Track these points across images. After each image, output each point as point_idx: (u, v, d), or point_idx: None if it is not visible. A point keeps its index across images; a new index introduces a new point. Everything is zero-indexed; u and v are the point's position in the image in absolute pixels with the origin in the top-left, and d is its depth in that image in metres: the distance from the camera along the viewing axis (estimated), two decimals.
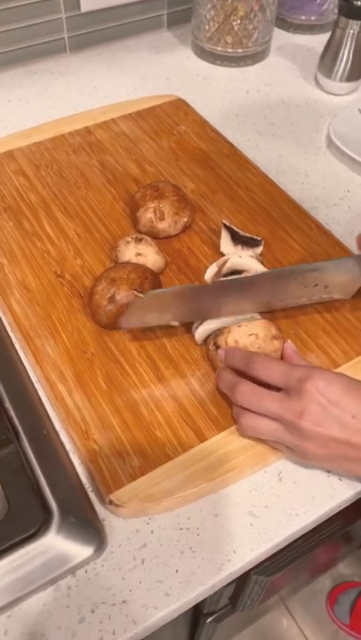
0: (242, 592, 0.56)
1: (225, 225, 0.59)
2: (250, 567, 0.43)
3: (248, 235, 0.58)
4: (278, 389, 0.43)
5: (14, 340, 0.53)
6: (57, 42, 0.87)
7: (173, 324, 0.50)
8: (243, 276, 0.50)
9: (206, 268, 0.57)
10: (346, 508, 0.46)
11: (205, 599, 0.61)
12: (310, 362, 0.50)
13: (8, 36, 0.82)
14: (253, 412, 0.44)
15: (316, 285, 0.51)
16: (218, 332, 0.49)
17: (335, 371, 0.50)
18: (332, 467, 0.45)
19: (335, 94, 0.84)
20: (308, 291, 0.51)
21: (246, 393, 0.44)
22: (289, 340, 0.50)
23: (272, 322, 0.50)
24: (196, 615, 0.71)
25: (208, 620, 0.70)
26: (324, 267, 0.50)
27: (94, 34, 0.89)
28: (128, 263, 0.54)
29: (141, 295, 0.51)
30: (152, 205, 0.59)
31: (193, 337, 0.52)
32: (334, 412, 0.40)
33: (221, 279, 0.52)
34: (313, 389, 0.41)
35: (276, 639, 1.14)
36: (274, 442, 0.44)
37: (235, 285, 0.49)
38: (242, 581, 0.53)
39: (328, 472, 0.46)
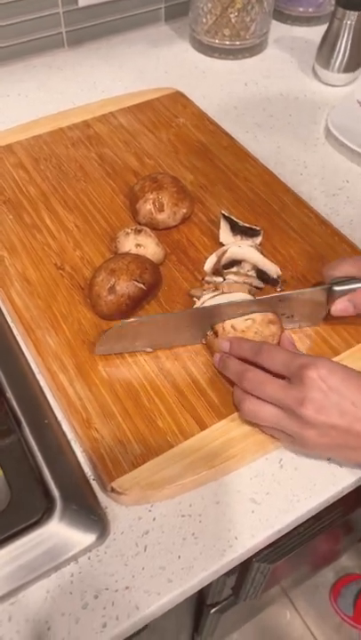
0: (244, 580, 0.56)
1: (224, 215, 0.59)
2: (251, 554, 0.43)
3: (247, 225, 0.58)
4: (283, 377, 0.44)
5: (15, 332, 0.54)
6: (55, 36, 0.87)
7: (147, 351, 0.51)
8: (210, 304, 0.50)
9: (206, 258, 0.57)
10: (346, 495, 0.47)
11: (209, 590, 0.62)
12: (311, 349, 0.50)
13: (6, 31, 0.82)
14: (256, 397, 0.44)
15: (283, 314, 0.51)
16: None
17: (335, 359, 0.51)
18: (332, 455, 0.45)
19: (333, 85, 0.84)
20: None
21: (251, 379, 0.44)
22: (287, 331, 0.50)
23: None
24: (200, 606, 0.71)
25: (212, 611, 0.70)
26: (290, 297, 0.50)
27: (92, 28, 0.89)
28: (128, 254, 0.54)
29: (142, 286, 0.52)
30: (151, 197, 0.59)
31: None
32: (335, 399, 0.41)
33: (193, 308, 0.53)
34: (315, 376, 0.41)
35: (280, 632, 1.15)
36: (274, 429, 0.44)
37: (204, 313, 0.50)
38: (244, 569, 0.54)
39: (329, 459, 0.46)
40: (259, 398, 0.44)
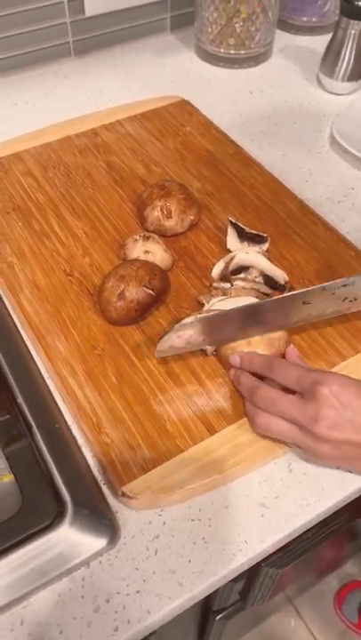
0: (252, 585, 0.56)
1: (231, 222, 0.59)
2: (261, 558, 0.44)
3: (254, 231, 0.59)
4: (293, 391, 0.44)
5: (25, 337, 0.54)
6: (62, 46, 0.88)
7: (207, 349, 0.50)
8: (281, 296, 0.50)
9: (213, 264, 0.57)
10: (353, 500, 0.47)
11: (216, 596, 0.62)
12: (317, 354, 0.51)
13: (14, 41, 0.84)
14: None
15: (345, 299, 0.51)
16: None
17: (341, 364, 0.51)
18: (344, 466, 0.46)
19: (337, 94, 0.84)
20: (338, 305, 0.52)
21: (264, 397, 0.44)
22: (292, 345, 0.51)
23: None
24: (206, 613, 0.71)
25: (218, 618, 0.70)
26: (354, 281, 0.50)
27: (99, 38, 0.90)
28: (136, 260, 0.55)
29: (151, 292, 0.52)
30: (159, 204, 0.60)
31: None
32: (348, 415, 0.41)
33: (264, 300, 0.52)
34: (327, 393, 0.41)
35: (285, 639, 1.14)
36: (280, 429, 0.44)
37: (274, 305, 0.49)
38: (253, 574, 0.54)
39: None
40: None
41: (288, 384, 0.44)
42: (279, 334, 0.50)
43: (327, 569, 1.12)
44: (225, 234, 0.60)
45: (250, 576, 0.55)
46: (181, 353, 0.50)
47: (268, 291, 0.56)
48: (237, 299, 0.52)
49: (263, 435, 0.46)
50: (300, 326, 0.53)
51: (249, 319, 0.49)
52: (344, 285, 0.50)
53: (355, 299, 0.51)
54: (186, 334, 0.48)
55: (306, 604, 1.18)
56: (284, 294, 0.49)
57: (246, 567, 0.43)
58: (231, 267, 0.55)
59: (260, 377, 0.47)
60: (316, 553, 0.58)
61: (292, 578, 0.79)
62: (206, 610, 0.70)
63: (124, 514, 0.44)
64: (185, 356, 0.51)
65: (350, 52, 0.80)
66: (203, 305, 0.54)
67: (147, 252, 0.56)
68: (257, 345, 0.49)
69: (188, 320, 0.48)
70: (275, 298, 0.49)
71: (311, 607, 1.18)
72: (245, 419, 0.47)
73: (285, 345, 0.50)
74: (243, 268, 0.56)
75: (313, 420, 0.41)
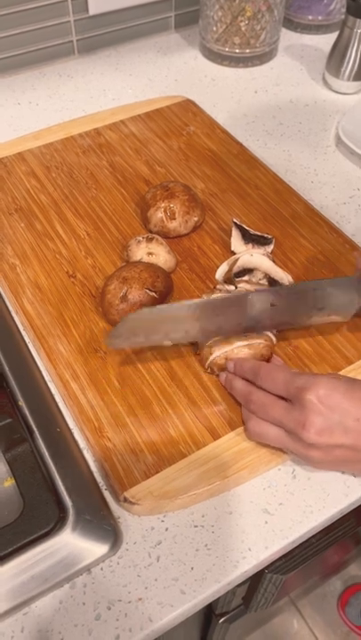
0: (256, 591, 0.55)
1: (235, 223, 0.59)
2: (265, 565, 0.43)
3: (259, 233, 0.58)
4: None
5: (27, 340, 0.54)
6: (65, 45, 0.87)
7: (166, 344, 0.49)
8: (239, 291, 0.49)
9: (217, 266, 0.57)
10: (359, 506, 0.46)
11: (218, 599, 0.61)
12: (323, 358, 0.50)
13: (17, 40, 0.83)
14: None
15: (314, 306, 0.50)
16: None
17: (349, 367, 0.50)
18: (342, 469, 0.45)
19: (343, 93, 0.84)
20: (311, 311, 0.50)
21: (255, 402, 0.44)
22: (276, 357, 0.50)
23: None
24: (209, 616, 0.71)
25: (220, 621, 0.70)
26: (322, 285, 0.49)
27: (102, 36, 0.90)
28: (140, 262, 0.54)
29: (154, 294, 0.52)
30: (163, 205, 0.59)
31: None
32: (337, 418, 0.40)
33: (215, 296, 0.51)
34: (314, 399, 0.40)
35: None
36: (271, 436, 0.44)
37: (231, 302, 0.48)
38: (256, 580, 0.53)
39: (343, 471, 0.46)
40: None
41: (276, 390, 0.44)
42: (261, 340, 0.49)
43: (332, 571, 1.11)
44: (229, 235, 0.59)
45: (253, 582, 0.54)
46: (141, 346, 0.49)
47: None
48: None
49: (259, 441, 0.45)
50: (306, 330, 0.53)
51: (205, 316, 0.47)
52: (314, 290, 0.48)
53: (322, 307, 0.50)
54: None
55: (309, 606, 1.18)
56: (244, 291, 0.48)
57: (250, 574, 0.42)
58: (235, 269, 0.55)
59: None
60: (321, 558, 0.57)
61: (296, 583, 0.79)
62: (209, 613, 0.70)
63: (126, 519, 0.43)
64: (188, 360, 0.51)
65: (357, 51, 0.79)
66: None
67: (150, 253, 0.56)
68: (238, 347, 0.48)
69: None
70: (228, 294, 0.48)
71: (314, 609, 1.18)
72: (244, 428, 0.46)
73: (269, 351, 0.49)
74: (247, 270, 0.55)
75: (301, 426, 0.40)
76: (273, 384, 0.44)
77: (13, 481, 0.44)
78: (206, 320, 0.48)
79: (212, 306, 0.48)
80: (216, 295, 0.51)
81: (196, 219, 0.61)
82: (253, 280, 0.55)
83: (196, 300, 0.48)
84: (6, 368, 0.50)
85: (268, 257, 0.56)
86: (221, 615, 0.69)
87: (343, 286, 0.50)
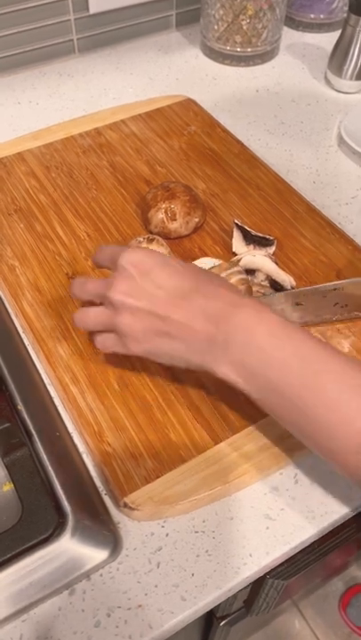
0: (257, 596, 0.55)
1: (237, 224, 0.58)
2: (266, 571, 0.43)
3: (260, 234, 0.58)
4: None
5: (26, 342, 0.53)
6: (66, 43, 0.87)
7: None
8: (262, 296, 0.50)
9: None
10: None
11: (220, 603, 0.61)
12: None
13: (17, 39, 0.82)
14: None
15: (336, 304, 0.50)
16: None
17: None
18: (152, 349, 0.43)
19: (345, 92, 0.83)
20: (331, 310, 0.51)
21: (83, 315, 0.45)
22: None
23: None
24: (210, 618, 0.70)
25: (221, 624, 0.69)
26: (345, 286, 0.50)
27: (103, 35, 0.89)
28: None
29: None
30: (163, 206, 0.59)
31: None
32: (143, 282, 0.41)
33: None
34: (125, 263, 0.42)
35: None
36: (105, 340, 0.45)
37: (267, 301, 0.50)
38: (257, 585, 0.53)
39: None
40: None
41: (103, 261, 0.45)
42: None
43: (334, 573, 1.11)
44: (230, 236, 0.59)
45: (254, 586, 0.54)
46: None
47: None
48: None
49: (268, 442, 0.45)
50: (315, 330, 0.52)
51: None
52: (334, 289, 0.49)
53: (346, 305, 0.50)
54: None
55: (310, 607, 1.18)
56: (279, 292, 0.49)
57: (251, 580, 0.42)
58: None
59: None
60: (323, 562, 0.57)
61: (297, 587, 0.78)
62: (210, 616, 0.69)
63: (126, 525, 0.43)
64: None
65: (359, 50, 0.78)
66: None
67: None
68: None
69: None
70: (267, 295, 0.48)
71: (316, 610, 1.17)
72: (251, 428, 0.46)
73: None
74: (249, 272, 0.55)
75: (110, 287, 0.42)
76: (101, 255, 0.45)
77: (12, 485, 0.43)
78: None
79: None
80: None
81: (197, 219, 0.60)
82: (255, 281, 0.55)
83: None
84: (5, 371, 0.49)
85: (271, 258, 0.56)
86: (222, 618, 0.68)
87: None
